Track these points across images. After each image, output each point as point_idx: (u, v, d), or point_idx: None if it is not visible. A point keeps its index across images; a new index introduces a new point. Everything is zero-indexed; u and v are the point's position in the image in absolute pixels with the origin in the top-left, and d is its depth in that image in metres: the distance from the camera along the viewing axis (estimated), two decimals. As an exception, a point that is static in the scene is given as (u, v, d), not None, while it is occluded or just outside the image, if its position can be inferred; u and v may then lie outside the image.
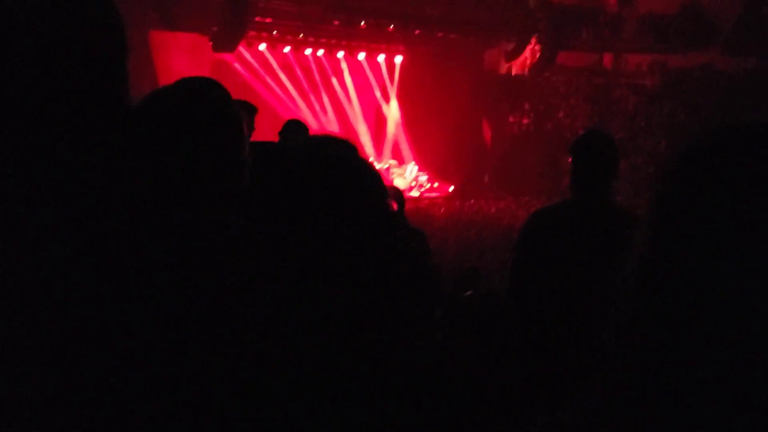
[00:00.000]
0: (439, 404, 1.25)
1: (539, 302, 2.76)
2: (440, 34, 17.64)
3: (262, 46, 16.87)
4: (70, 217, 1.23)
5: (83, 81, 1.26)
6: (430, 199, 18.25)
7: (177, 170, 1.38)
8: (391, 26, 16.67)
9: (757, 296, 1.01)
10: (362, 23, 16.24)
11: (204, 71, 15.54)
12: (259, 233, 1.24)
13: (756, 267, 1.00)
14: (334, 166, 1.30)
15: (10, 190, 1.21)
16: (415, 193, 18.52)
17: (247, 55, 16.92)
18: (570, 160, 2.87)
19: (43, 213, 1.22)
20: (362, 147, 20.11)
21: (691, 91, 21.42)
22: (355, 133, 20.05)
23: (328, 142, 1.36)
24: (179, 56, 14.62)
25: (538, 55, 20.56)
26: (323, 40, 17.60)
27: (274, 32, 16.43)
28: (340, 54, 18.56)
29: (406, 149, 20.62)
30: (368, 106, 20.47)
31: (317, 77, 18.76)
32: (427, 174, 19.81)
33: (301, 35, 16.90)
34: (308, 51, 17.88)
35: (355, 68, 19.37)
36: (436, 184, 19.85)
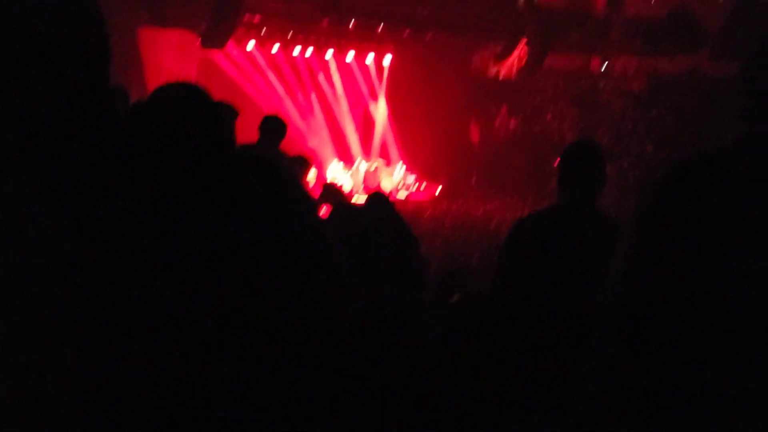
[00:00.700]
0: (433, 407, 1.26)
1: (524, 307, 2.77)
2: (429, 35, 17.67)
3: (251, 45, 16.82)
4: (55, 217, 1.22)
5: (65, 82, 1.24)
6: (417, 200, 18.27)
7: (165, 178, 1.37)
8: (381, 26, 16.69)
9: (731, 303, 1.05)
10: (352, 23, 16.24)
11: (191, 69, 15.49)
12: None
13: (728, 279, 1.05)
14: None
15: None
16: (402, 194, 18.54)
17: (235, 54, 16.88)
18: (557, 167, 2.89)
19: (26, 214, 1.21)
20: (350, 147, 20.11)
21: (678, 96, 21.56)
22: (343, 133, 20.05)
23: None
24: (167, 54, 14.56)
25: (526, 57, 20.62)
26: (312, 39, 17.58)
27: (263, 30, 16.40)
28: (329, 53, 18.55)
29: (393, 150, 20.64)
30: (356, 107, 20.47)
31: (305, 76, 18.74)
32: (415, 174, 19.83)
33: (290, 34, 16.88)
34: (297, 50, 17.85)
35: (344, 68, 19.36)
36: (423, 185, 19.88)
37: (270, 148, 5.01)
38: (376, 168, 19.39)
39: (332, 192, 5.65)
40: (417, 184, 19.73)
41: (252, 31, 16.15)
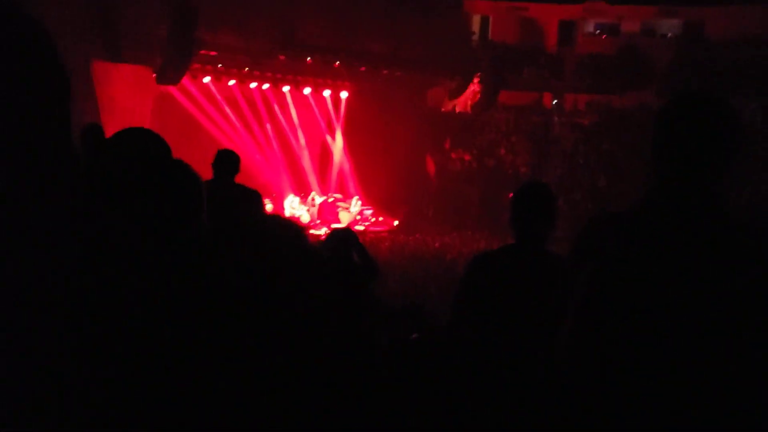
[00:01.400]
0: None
1: (480, 345, 2.82)
2: (385, 71, 17.92)
3: (207, 79, 16.82)
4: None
5: (24, 123, 1.26)
6: (375, 233, 18.32)
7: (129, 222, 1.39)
8: (337, 62, 16.87)
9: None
10: (308, 59, 16.39)
11: (147, 103, 15.41)
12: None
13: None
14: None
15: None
16: (360, 227, 18.59)
17: (192, 88, 16.84)
18: (510, 208, 2.96)
19: None
20: (307, 181, 20.13)
21: (628, 130, 22.17)
22: (301, 167, 20.07)
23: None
24: (122, 87, 14.48)
25: (480, 93, 21.01)
26: (269, 75, 17.65)
27: (219, 65, 16.43)
28: (286, 88, 18.64)
29: (351, 183, 20.72)
30: (313, 141, 20.55)
31: (262, 110, 18.77)
32: (372, 208, 19.92)
33: (247, 69, 16.94)
34: (253, 85, 17.91)
35: (301, 102, 19.46)
36: (380, 219, 19.96)
37: (225, 182, 5.02)
38: (334, 201, 19.44)
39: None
40: (374, 218, 19.82)
41: (208, 66, 16.17)
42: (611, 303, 1.55)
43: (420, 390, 3.46)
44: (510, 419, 2.69)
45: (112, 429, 1.24)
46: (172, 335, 1.30)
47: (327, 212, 18.96)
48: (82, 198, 1.36)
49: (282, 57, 15.92)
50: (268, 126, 18.90)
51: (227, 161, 4.65)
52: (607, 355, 1.51)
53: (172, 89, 15.76)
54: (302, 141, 19.89)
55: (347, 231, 5.19)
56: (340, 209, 19.25)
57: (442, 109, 23.38)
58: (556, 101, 25.97)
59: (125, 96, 14.58)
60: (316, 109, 19.98)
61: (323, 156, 21.07)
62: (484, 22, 26.44)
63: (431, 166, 21.51)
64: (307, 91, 18.97)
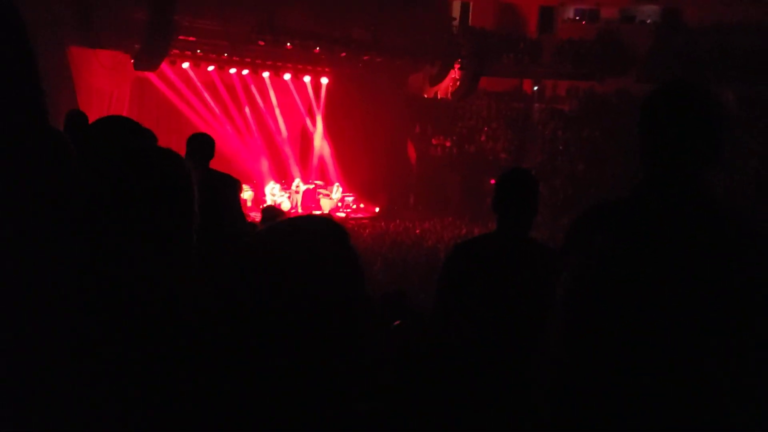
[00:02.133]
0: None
1: (464, 335, 2.82)
2: (366, 57, 17.86)
3: (186, 65, 16.66)
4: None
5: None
6: (356, 219, 18.31)
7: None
8: (317, 48, 16.77)
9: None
10: (288, 45, 16.28)
11: (125, 89, 15.25)
12: None
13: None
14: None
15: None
16: (341, 214, 18.56)
17: (170, 73, 16.67)
18: (493, 194, 2.93)
19: None
20: (288, 168, 20.05)
21: (607, 116, 22.27)
22: (281, 153, 19.98)
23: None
24: (100, 73, 14.31)
25: (460, 79, 21.02)
26: (248, 60, 17.53)
27: (198, 51, 16.28)
28: (266, 74, 18.52)
29: (331, 170, 20.67)
30: (294, 127, 20.46)
31: (242, 96, 18.64)
32: (353, 195, 19.90)
33: (226, 54, 16.80)
34: (233, 70, 17.77)
35: (281, 88, 19.35)
36: (361, 205, 19.96)
37: (199, 167, 4.93)
38: (315, 187, 19.39)
39: (274, 215, 5.62)
40: (355, 204, 19.80)
41: (187, 51, 16.01)
42: (600, 295, 1.54)
43: (402, 379, 3.47)
44: (495, 412, 2.69)
45: (112, 429, 1.24)
46: (173, 334, 1.30)
47: (308, 199, 18.93)
48: (74, 191, 1.34)
49: (261, 43, 15.81)
50: (247, 109, 18.75)
51: (201, 146, 4.50)
52: (596, 349, 1.50)
53: (150, 75, 15.60)
54: (282, 127, 19.79)
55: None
56: (321, 196, 19.22)
57: (423, 96, 23.40)
58: (536, 87, 26.03)
59: (103, 82, 14.42)
60: (296, 96, 19.88)
61: (303, 142, 20.99)
62: (465, 8, 26.40)
63: (412, 153, 21.52)
64: (287, 77, 18.87)
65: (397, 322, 4.39)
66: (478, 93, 22.53)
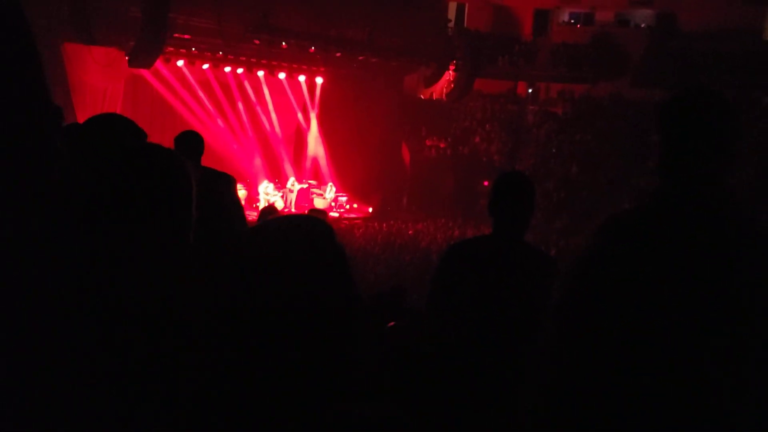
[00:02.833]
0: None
1: (455, 336, 2.81)
2: (361, 58, 17.84)
3: (180, 62, 16.62)
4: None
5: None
6: (350, 219, 18.30)
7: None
8: (312, 48, 16.75)
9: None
10: (283, 44, 16.26)
11: (119, 86, 15.20)
12: None
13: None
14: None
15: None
16: (334, 214, 18.55)
17: (165, 71, 16.63)
18: (489, 197, 2.92)
19: None
20: (281, 167, 20.03)
21: (601, 119, 22.34)
22: (275, 152, 19.96)
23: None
24: (94, 70, 14.26)
25: (455, 81, 21.04)
26: (243, 59, 17.50)
27: (193, 49, 16.24)
28: (261, 73, 18.50)
29: (325, 170, 20.66)
30: (288, 126, 20.43)
31: (237, 95, 18.60)
32: (347, 195, 19.89)
33: (221, 53, 16.77)
34: (227, 69, 17.74)
35: (276, 87, 19.32)
36: (355, 205, 19.95)
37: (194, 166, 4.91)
38: (308, 187, 19.38)
39: (270, 215, 5.61)
40: (349, 205, 19.80)
41: (181, 49, 15.97)
42: (606, 296, 1.53)
43: (396, 379, 3.47)
44: (485, 413, 2.69)
45: (112, 429, 1.24)
46: (172, 333, 1.29)
47: (302, 198, 18.91)
48: (73, 191, 1.34)
49: (257, 41, 15.77)
50: (240, 105, 18.70)
51: (191, 144, 4.46)
52: (596, 349, 1.49)
53: (144, 72, 15.55)
54: (276, 127, 19.76)
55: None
56: (314, 195, 19.20)
57: (418, 97, 23.41)
58: (530, 90, 26.08)
59: (96, 79, 14.37)
60: (291, 95, 19.86)
61: (298, 142, 20.97)
62: (460, 9, 26.44)
63: (406, 154, 21.52)
64: (281, 76, 18.84)
65: (391, 324, 4.38)
66: (472, 95, 22.56)
